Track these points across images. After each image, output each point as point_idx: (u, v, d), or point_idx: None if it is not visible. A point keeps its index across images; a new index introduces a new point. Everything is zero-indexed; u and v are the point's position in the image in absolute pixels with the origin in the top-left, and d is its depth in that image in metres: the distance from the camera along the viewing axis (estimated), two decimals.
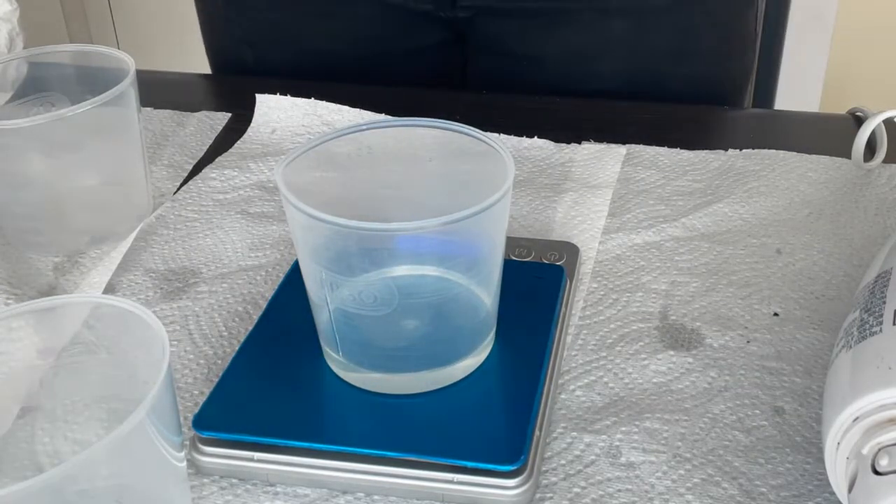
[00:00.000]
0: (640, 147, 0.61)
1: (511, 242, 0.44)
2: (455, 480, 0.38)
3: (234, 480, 0.40)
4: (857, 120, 0.65)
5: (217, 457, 0.39)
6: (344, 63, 0.75)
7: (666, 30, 0.71)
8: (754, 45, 0.76)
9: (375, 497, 0.39)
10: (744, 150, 0.61)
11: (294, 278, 0.46)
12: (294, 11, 0.75)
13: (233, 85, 0.72)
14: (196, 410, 0.40)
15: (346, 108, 0.65)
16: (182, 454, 0.34)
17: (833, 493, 0.36)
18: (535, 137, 0.62)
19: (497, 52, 0.74)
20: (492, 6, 0.71)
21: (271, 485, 0.39)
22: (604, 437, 0.41)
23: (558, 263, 0.49)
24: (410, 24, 0.74)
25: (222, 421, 0.40)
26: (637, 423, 0.41)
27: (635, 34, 0.71)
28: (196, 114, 0.67)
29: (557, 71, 0.72)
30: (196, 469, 0.39)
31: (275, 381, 0.42)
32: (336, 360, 0.42)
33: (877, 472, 0.33)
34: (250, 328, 0.45)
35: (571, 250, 0.50)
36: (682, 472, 0.39)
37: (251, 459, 0.39)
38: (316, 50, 0.76)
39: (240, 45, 0.78)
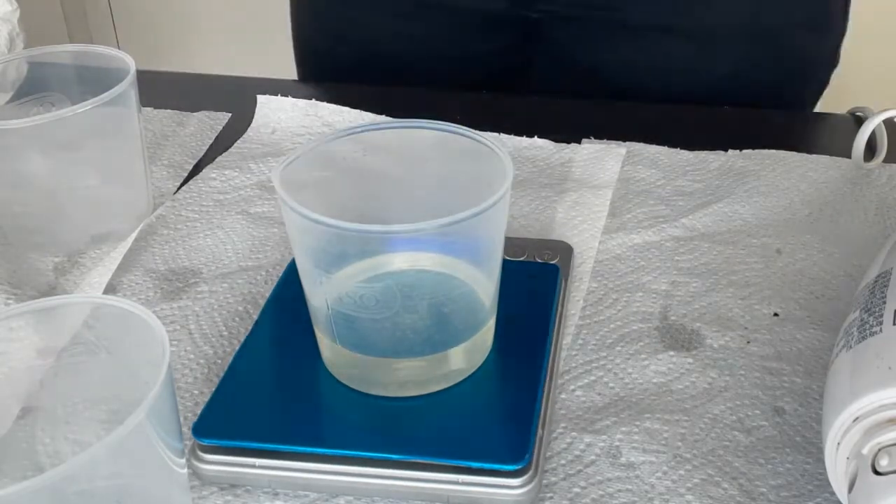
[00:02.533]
0: (640, 147, 0.61)
1: (505, 242, 0.44)
2: (459, 481, 0.37)
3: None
4: (857, 120, 0.65)
5: (218, 464, 0.39)
6: (411, 64, 0.76)
7: (730, 57, 0.71)
8: (829, 70, 0.75)
9: (377, 500, 0.39)
10: (744, 151, 0.61)
11: (290, 280, 0.46)
12: (371, 11, 0.76)
13: (233, 85, 0.72)
14: (196, 410, 0.40)
15: (346, 109, 0.65)
16: (182, 460, 0.34)
17: (833, 493, 0.36)
18: (535, 137, 0.62)
19: (560, 59, 0.75)
20: (564, 12, 0.71)
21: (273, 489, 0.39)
22: (604, 437, 0.41)
23: (552, 262, 0.49)
24: (480, 27, 0.75)
25: (222, 428, 0.39)
26: (637, 423, 0.41)
27: (697, 58, 0.71)
28: (196, 114, 0.67)
29: (615, 84, 0.72)
30: (197, 477, 0.39)
31: (274, 386, 0.42)
32: (333, 364, 0.42)
33: (877, 472, 0.33)
34: (249, 329, 0.45)
35: (565, 249, 0.50)
36: (682, 472, 0.39)
37: (253, 466, 0.39)
38: (391, 51, 0.77)
39: (325, 38, 0.80)
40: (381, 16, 0.76)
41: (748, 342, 0.46)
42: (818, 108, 0.78)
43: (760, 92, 0.72)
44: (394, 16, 0.76)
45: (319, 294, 0.40)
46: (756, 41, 0.71)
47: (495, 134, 0.62)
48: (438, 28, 0.75)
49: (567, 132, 0.63)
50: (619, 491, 0.39)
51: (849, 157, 0.59)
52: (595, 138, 0.62)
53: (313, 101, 0.65)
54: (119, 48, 0.53)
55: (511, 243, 0.50)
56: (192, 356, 0.46)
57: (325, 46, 0.80)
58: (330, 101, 0.65)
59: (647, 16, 0.70)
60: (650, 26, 0.71)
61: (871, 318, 0.36)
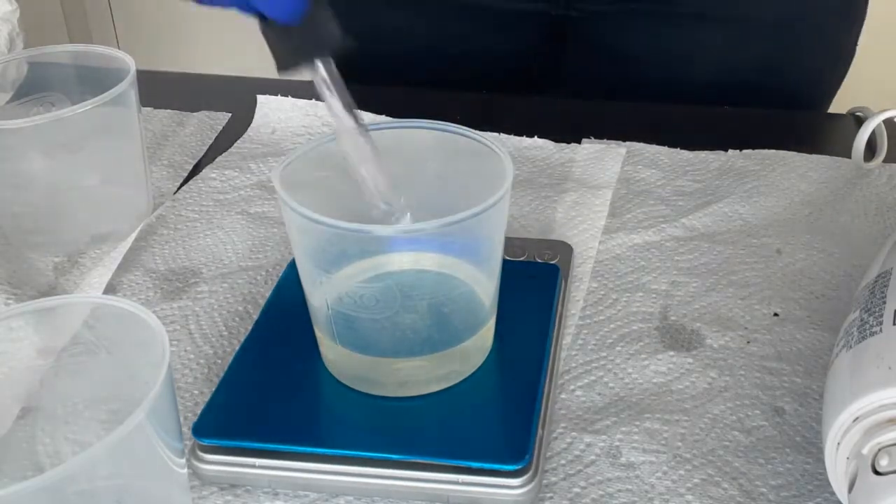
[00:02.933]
0: (640, 147, 0.61)
1: (505, 242, 0.44)
2: (459, 481, 0.37)
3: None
4: (858, 120, 0.65)
5: (218, 464, 0.39)
6: (443, 62, 0.75)
7: (765, 41, 0.71)
8: (850, 59, 0.76)
9: (377, 500, 0.39)
10: (744, 151, 0.61)
11: (290, 279, 0.46)
12: (402, 9, 0.75)
13: (233, 85, 0.72)
14: (196, 410, 0.40)
15: None
16: (182, 460, 0.34)
17: (833, 493, 0.36)
18: (535, 137, 0.62)
19: (589, 52, 0.74)
20: (599, 9, 0.71)
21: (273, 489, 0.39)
22: (604, 437, 0.41)
23: (552, 262, 0.49)
24: (510, 23, 0.74)
25: (222, 428, 0.39)
26: (637, 423, 0.41)
27: (732, 44, 0.71)
28: (196, 114, 0.67)
29: (651, 74, 0.72)
30: (197, 477, 0.39)
31: (274, 386, 0.41)
32: (333, 364, 0.42)
33: (877, 472, 0.33)
34: (249, 329, 0.45)
35: (565, 249, 0.50)
36: (682, 472, 0.39)
37: (253, 466, 0.39)
38: (417, 47, 0.76)
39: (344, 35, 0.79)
40: (410, 14, 0.75)
41: (748, 342, 0.46)
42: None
43: (791, 80, 0.72)
44: (423, 15, 0.75)
45: (319, 294, 0.40)
46: (788, 29, 0.71)
47: (495, 134, 0.62)
48: (471, 26, 0.75)
49: (567, 132, 0.63)
50: (619, 491, 0.39)
51: (849, 157, 0.59)
52: (595, 138, 0.62)
53: (313, 101, 0.65)
54: (119, 48, 0.53)
55: (511, 243, 0.50)
56: (192, 356, 0.46)
57: (347, 47, 0.80)
58: None
59: (675, 5, 0.70)
60: (683, 13, 0.70)
61: (871, 318, 0.36)
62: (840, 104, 0.70)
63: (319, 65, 0.41)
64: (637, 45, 0.72)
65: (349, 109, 0.41)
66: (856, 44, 0.75)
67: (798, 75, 0.73)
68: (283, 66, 0.41)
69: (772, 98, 0.70)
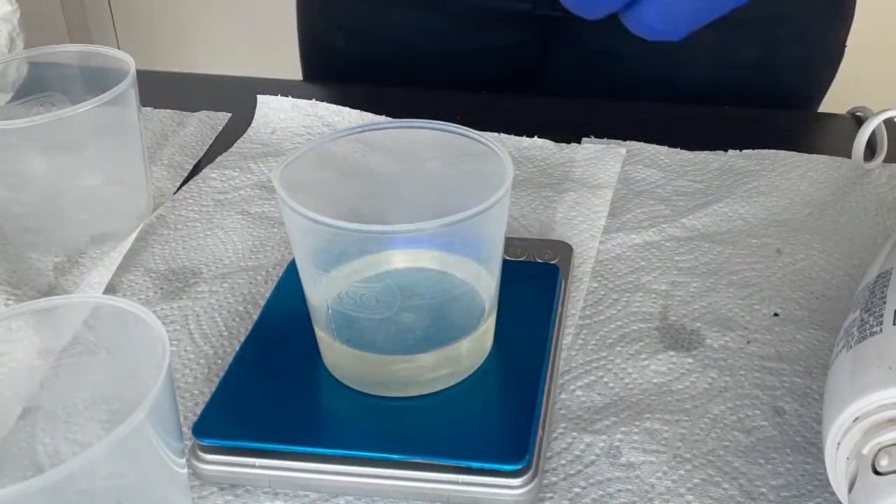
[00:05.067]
0: (640, 147, 0.61)
1: (505, 242, 0.44)
2: (460, 481, 0.37)
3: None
4: (858, 120, 0.65)
5: (218, 464, 0.39)
6: (429, 60, 0.75)
7: (752, 41, 0.71)
8: (840, 58, 0.76)
9: (377, 500, 0.39)
10: (744, 151, 0.61)
11: (290, 279, 0.46)
12: (387, 5, 0.75)
13: (233, 85, 0.72)
14: (196, 410, 0.40)
15: (346, 109, 0.65)
16: (182, 460, 0.34)
17: (833, 494, 0.36)
18: (535, 137, 0.62)
19: (579, 51, 0.74)
20: None
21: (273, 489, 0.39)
22: (604, 437, 0.41)
23: (552, 262, 0.49)
24: (497, 21, 0.74)
25: (222, 428, 0.39)
26: (637, 423, 0.41)
27: (720, 44, 0.71)
28: (196, 114, 0.67)
29: (637, 74, 0.72)
30: (197, 477, 0.39)
31: (274, 386, 0.41)
32: (333, 364, 0.42)
33: (877, 472, 0.33)
34: (249, 329, 0.45)
35: (565, 249, 0.50)
36: (682, 472, 0.39)
37: (253, 466, 0.39)
38: (403, 45, 0.76)
39: (333, 32, 0.79)
40: (394, 9, 0.75)
41: (748, 342, 0.46)
42: (818, 109, 0.78)
43: (781, 80, 0.72)
44: (406, 9, 0.75)
45: (319, 294, 0.40)
46: (778, 27, 0.71)
47: (495, 134, 0.62)
48: (453, 23, 0.75)
49: (567, 132, 0.63)
50: (619, 491, 0.39)
51: (849, 157, 0.59)
52: (595, 138, 0.62)
53: (313, 101, 0.65)
54: (119, 48, 0.53)
55: (511, 243, 0.50)
56: (192, 356, 0.46)
57: (333, 41, 0.80)
58: (330, 101, 0.65)
59: None
60: None
61: (871, 318, 0.36)
62: (840, 104, 0.69)
63: None
64: (622, 45, 0.72)
65: None
66: (844, 44, 0.75)
67: (786, 75, 0.73)
68: None
69: (761, 98, 0.71)
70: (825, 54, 0.75)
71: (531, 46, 0.76)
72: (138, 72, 0.52)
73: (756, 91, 0.71)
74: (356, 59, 0.78)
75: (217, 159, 0.61)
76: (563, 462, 0.40)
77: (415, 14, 0.75)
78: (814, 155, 0.60)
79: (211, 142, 0.64)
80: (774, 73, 0.72)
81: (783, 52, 0.72)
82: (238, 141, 0.63)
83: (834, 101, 0.76)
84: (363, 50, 0.78)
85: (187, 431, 0.40)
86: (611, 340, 0.46)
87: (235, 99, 0.68)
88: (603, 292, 0.49)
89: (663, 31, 0.40)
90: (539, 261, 0.49)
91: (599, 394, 0.43)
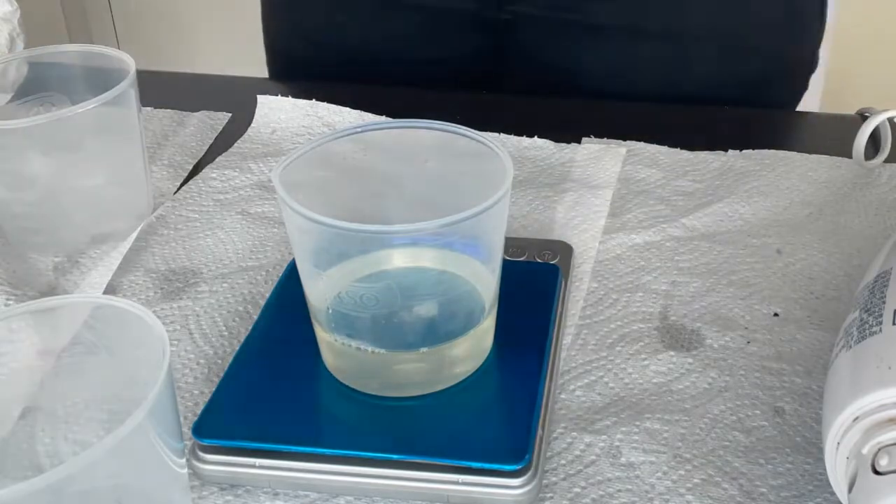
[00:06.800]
0: (640, 147, 0.61)
1: (505, 242, 0.44)
2: (459, 481, 0.37)
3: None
4: (865, 120, 0.65)
5: (218, 464, 0.39)
6: (384, 66, 0.75)
7: (703, 59, 0.71)
8: (810, 69, 0.74)
9: (377, 500, 0.39)
10: (744, 151, 0.61)
11: (290, 280, 0.46)
12: (345, 11, 0.76)
13: (233, 85, 0.73)
14: (196, 410, 0.40)
15: (346, 109, 0.65)
16: (182, 460, 0.34)
17: (833, 493, 0.36)
18: (535, 137, 0.62)
19: (533, 63, 0.74)
20: (533, 14, 0.71)
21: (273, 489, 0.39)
22: (604, 437, 0.41)
23: (552, 262, 0.49)
24: (452, 28, 0.74)
25: (222, 428, 0.39)
26: (637, 423, 0.41)
27: (671, 59, 0.71)
28: (196, 114, 0.67)
29: (591, 85, 0.72)
30: (197, 477, 0.39)
31: (274, 386, 0.41)
32: (333, 364, 0.42)
33: (877, 472, 0.33)
34: (249, 329, 0.45)
35: (565, 249, 0.50)
36: (682, 472, 0.39)
37: (253, 466, 0.39)
38: (359, 51, 0.76)
39: (295, 38, 0.79)
40: (351, 16, 0.76)
41: (748, 342, 0.46)
42: (819, 109, 0.78)
43: (735, 93, 0.72)
44: (362, 16, 0.75)
45: (319, 294, 0.40)
46: (728, 43, 0.71)
47: (495, 134, 0.62)
48: (410, 28, 0.75)
49: (567, 132, 0.63)
50: (619, 491, 0.39)
51: (850, 157, 0.59)
52: (595, 138, 0.62)
53: (313, 101, 0.65)
54: (119, 48, 0.53)
55: (511, 243, 0.50)
56: (192, 356, 0.46)
57: (296, 48, 0.80)
58: (330, 101, 0.65)
59: (611, 17, 0.70)
60: (617, 27, 0.70)
61: (871, 318, 0.36)
62: (844, 104, 0.69)
63: None
64: (573, 56, 0.72)
65: None
66: (813, 58, 0.74)
67: (742, 90, 0.72)
68: None
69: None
70: (782, 71, 0.74)
71: (487, 55, 0.76)
72: (138, 72, 0.52)
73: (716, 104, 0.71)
74: (319, 66, 0.78)
75: (217, 159, 0.61)
76: (563, 462, 0.40)
77: (371, 21, 0.75)
78: (814, 155, 0.60)
79: (211, 142, 0.64)
80: (727, 89, 0.72)
81: (735, 68, 0.72)
82: (238, 141, 0.63)
83: (839, 102, 0.76)
84: (325, 57, 0.78)
85: (187, 431, 0.40)
86: (611, 340, 0.46)
87: (235, 99, 0.68)
88: (603, 292, 0.49)
89: None
90: (539, 261, 0.49)
91: (599, 394, 0.43)
